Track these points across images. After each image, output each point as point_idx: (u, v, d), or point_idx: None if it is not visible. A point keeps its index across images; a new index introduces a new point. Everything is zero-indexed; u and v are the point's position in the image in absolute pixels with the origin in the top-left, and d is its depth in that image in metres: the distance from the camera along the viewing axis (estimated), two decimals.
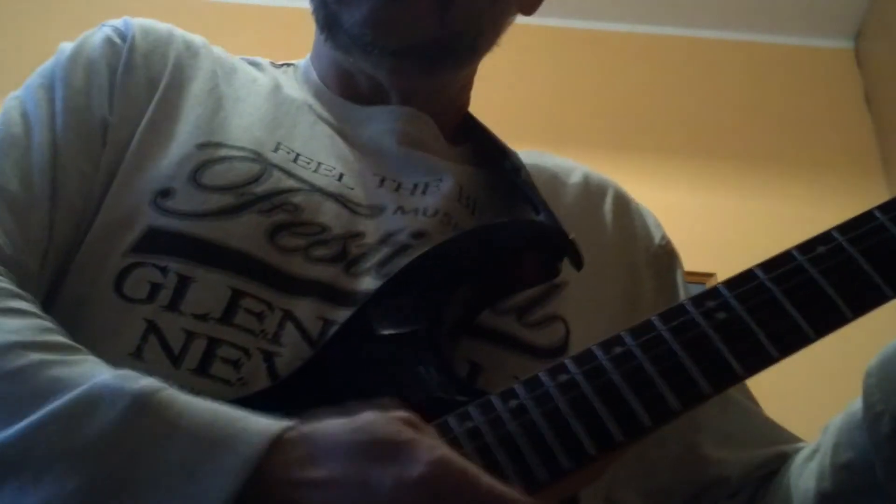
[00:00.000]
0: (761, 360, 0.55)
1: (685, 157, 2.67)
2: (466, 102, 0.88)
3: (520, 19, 0.88)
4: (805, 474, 0.71)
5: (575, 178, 0.86)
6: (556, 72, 2.87)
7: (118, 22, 0.79)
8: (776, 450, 0.78)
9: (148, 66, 0.77)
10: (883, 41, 2.77)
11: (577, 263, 0.70)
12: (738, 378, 0.55)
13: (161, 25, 0.81)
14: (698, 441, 0.77)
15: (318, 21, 0.79)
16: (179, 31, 0.82)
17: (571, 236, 0.70)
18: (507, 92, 2.85)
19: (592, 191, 0.86)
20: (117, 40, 0.77)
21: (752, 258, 0.64)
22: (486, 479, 0.46)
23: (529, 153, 0.86)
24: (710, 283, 2.44)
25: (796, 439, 0.80)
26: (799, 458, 0.74)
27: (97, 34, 0.78)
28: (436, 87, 0.82)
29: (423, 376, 0.59)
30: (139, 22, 0.80)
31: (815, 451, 0.72)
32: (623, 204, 0.86)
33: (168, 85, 0.76)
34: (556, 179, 0.85)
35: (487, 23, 0.80)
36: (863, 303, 0.57)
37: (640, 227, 0.86)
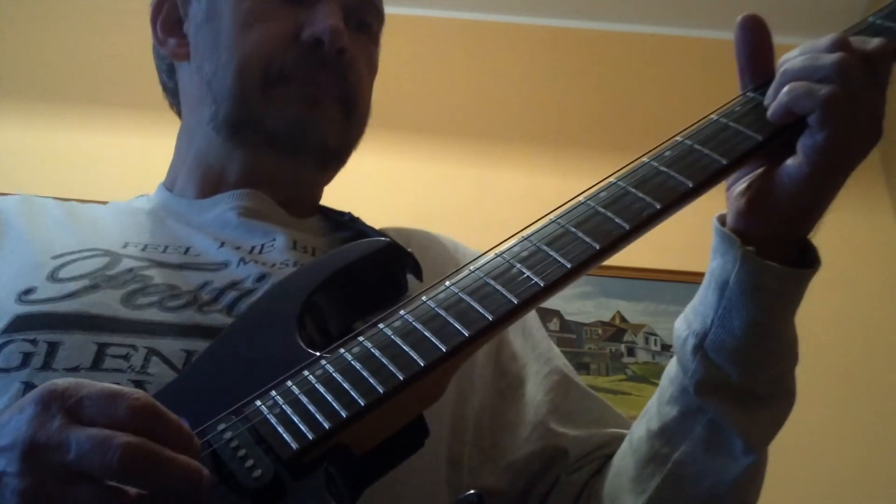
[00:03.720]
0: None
1: None
2: (320, 198, 1.00)
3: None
4: (636, 427, 0.79)
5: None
6: (556, 72, 2.87)
7: None
8: (617, 432, 0.85)
9: None
10: None
11: (417, 273, 0.78)
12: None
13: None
14: (544, 419, 0.86)
15: (225, 121, 0.89)
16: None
17: (409, 250, 0.78)
18: (507, 92, 2.85)
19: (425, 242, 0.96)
20: None
21: None
22: (88, 386, 0.52)
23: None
24: None
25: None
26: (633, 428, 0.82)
27: None
28: (315, 181, 0.96)
29: (273, 362, 0.65)
30: None
31: (644, 411, 0.79)
32: (465, 252, 0.97)
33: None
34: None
35: (360, 138, 0.96)
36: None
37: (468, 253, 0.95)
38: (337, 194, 1.02)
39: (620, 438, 0.83)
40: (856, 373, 2.40)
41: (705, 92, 2.82)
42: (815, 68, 0.65)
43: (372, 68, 0.96)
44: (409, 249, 0.79)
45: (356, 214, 0.96)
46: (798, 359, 0.72)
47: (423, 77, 2.72)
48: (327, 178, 0.97)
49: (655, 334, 2.47)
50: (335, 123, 0.90)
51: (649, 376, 2.41)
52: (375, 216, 0.98)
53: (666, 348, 2.45)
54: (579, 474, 0.83)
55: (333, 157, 0.93)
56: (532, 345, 0.92)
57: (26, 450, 0.50)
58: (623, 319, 2.49)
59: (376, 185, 2.39)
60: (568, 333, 2.46)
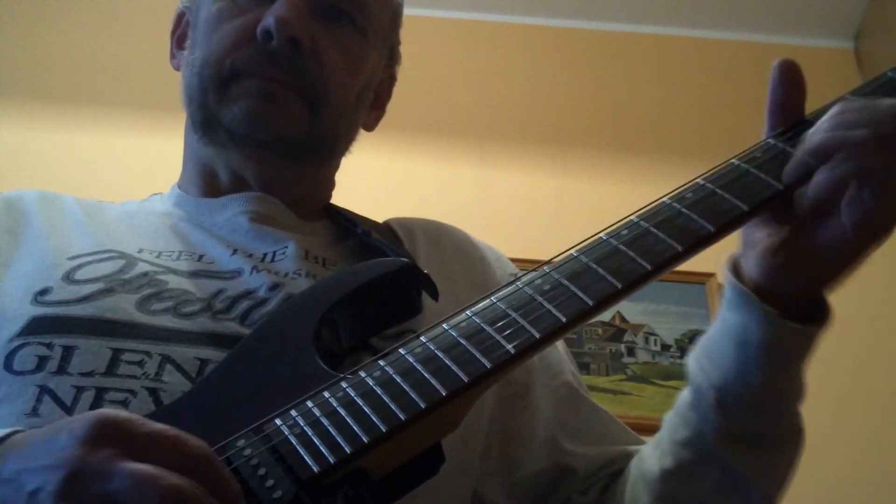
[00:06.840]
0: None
1: (685, 157, 2.67)
2: (328, 196, 0.99)
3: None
4: (648, 459, 0.79)
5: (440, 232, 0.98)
6: (556, 72, 2.87)
7: None
8: (623, 449, 0.85)
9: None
10: (883, 41, 2.77)
11: (433, 294, 0.78)
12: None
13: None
14: (555, 435, 0.86)
15: (196, 122, 0.90)
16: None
17: (425, 272, 0.78)
18: (507, 92, 2.85)
19: (444, 240, 0.97)
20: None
21: None
22: (149, 424, 0.51)
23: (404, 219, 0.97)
24: (710, 284, 2.45)
25: (642, 441, 0.86)
26: (642, 452, 0.81)
27: None
28: (296, 179, 0.93)
29: (291, 379, 0.65)
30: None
31: (656, 444, 0.79)
32: (475, 243, 0.98)
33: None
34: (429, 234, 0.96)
35: (344, 130, 0.94)
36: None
37: (493, 259, 0.96)
38: (337, 194, 1.02)
39: (626, 455, 0.83)
40: (856, 374, 2.40)
41: (706, 92, 2.83)
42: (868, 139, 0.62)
43: (353, 60, 0.92)
44: (425, 272, 0.79)
45: (359, 214, 0.96)
46: (805, 396, 0.73)
47: (423, 77, 2.72)
48: (315, 173, 0.95)
49: (655, 334, 2.47)
50: (296, 116, 0.87)
51: (649, 376, 2.41)
52: (376, 216, 0.97)
53: (666, 348, 2.45)
54: (589, 495, 0.83)
55: (305, 151, 0.90)
56: (541, 355, 0.91)
57: (70, 473, 0.49)
58: (623, 319, 2.49)
59: (376, 184, 2.39)
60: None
